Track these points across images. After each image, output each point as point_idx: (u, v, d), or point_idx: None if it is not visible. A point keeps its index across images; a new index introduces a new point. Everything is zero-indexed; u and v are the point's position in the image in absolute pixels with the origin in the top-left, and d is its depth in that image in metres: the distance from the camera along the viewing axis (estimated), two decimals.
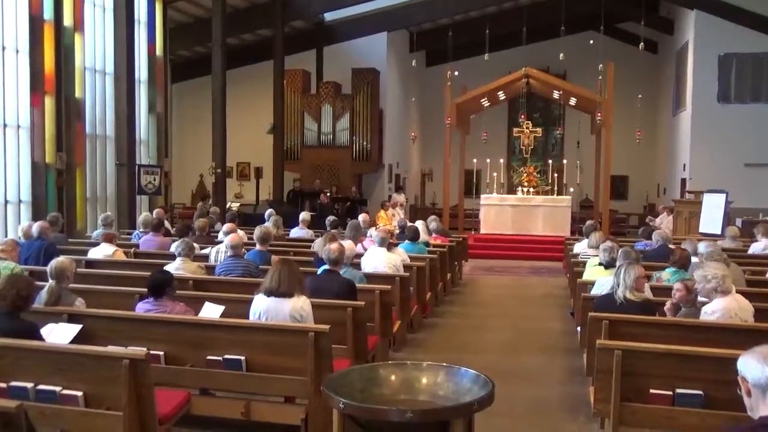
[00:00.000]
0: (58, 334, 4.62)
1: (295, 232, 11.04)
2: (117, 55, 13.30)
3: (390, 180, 20.80)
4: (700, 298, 5.29)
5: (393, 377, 3.11)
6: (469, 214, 18.49)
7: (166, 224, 10.28)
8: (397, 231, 10.77)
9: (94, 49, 13.32)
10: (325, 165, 19.16)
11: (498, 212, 16.67)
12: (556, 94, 17.59)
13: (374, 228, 9.76)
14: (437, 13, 19.42)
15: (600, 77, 15.88)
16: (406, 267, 7.72)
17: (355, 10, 18.89)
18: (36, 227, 7.98)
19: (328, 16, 19.88)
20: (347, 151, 19.08)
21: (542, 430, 5.07)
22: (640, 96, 18.05)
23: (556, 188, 17.60)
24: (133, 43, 13.60)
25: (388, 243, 7.74)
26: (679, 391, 4.03)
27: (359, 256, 7.93)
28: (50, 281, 5.02)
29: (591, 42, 17.54)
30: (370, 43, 19.70)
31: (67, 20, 12.36)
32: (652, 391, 4.08)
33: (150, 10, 15.01)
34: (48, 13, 11.90)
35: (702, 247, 6.92)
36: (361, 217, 10.62)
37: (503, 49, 20.35)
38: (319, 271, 6.01)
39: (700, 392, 4.00)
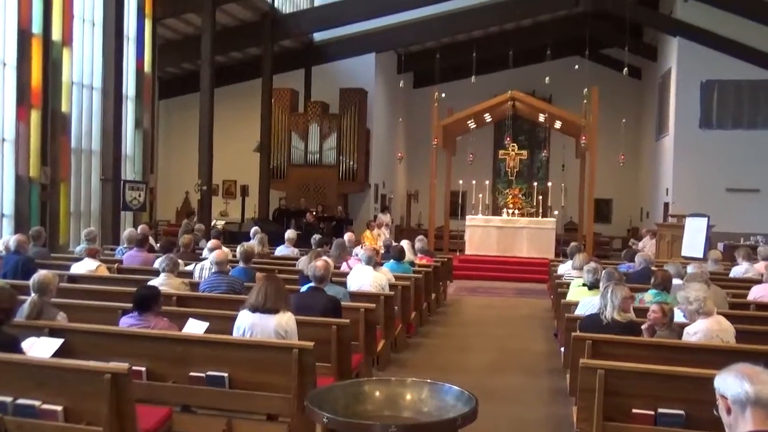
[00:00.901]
0: (40, 349, 4.57)
1: (281, 251, 11.01)
2: (105, 70, 13.30)
3: (376, 200, 20.85)
4: (677, 320, 5.35)
5: (377, 393, 3.11)
6: (454, 235, 18.56)
7: (151, 240, 10.21)
8: (383, 251, 10.78)
9: (82, 63, 13.29)
10: (311, 184, 19.18)
11: (483, 233, 16.74)
12: (541, 117, 17.77)
13: (360, 246, 9.76)
14: (425, 36, 19.66)
15: (584, 101, 16.09)
16: (391, 286, 7.72)
17: (343, 30, 19.05)
18: (13, 241, 7.85)
19: (317, 36, 20.04)
20: (334, 171, 19.13)
21: None
22: (624, 120, 18.30)
23: (540, 210, 17.73)
24: (122, 59, 13.60)
25: (374, 261, 7.74)
26: (661, 410, 4.06)
27: (344, 274, 7.93)
28: (32, 294, 4.97)
29: (576, 67, 17.80)
30: (358, 64, 19.85)
31: (56, 35, 12.34)
32: (634, 410, 4.10)
33: (139, 27, 15.03)
34: (37, 27, 11.88)
35: (690, 269, 7.01)
36: (347, 236, 10.62)
37: (490, 73, 20.59)
38: (304, 288, 6.00)
39: (682, 412, 4.02)
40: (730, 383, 2.43)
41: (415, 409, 3.00)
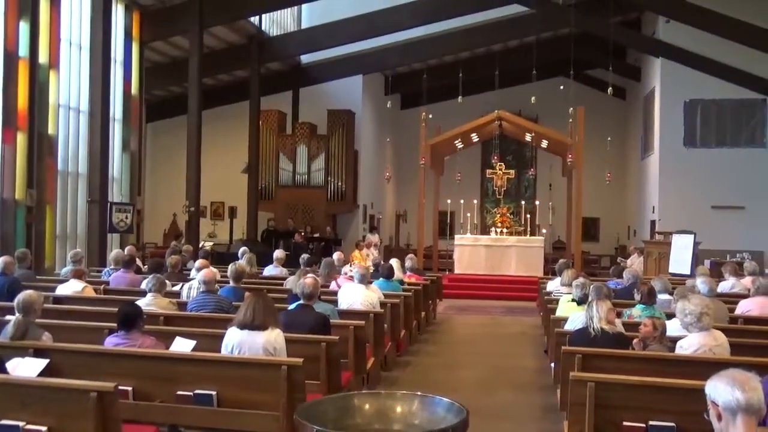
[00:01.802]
0: (24, 369, 4.49)
1: (269, 270, 10.96)
2: (92, 92, 13.29)
3: (364, 220, 20.85)
4: (670, 333, 5.36)
5: (367, 406, 3.07)
6: (443, 254, 18.56)
7: (138, 262, 10.12)
8: (372, 270, 10.75)
9: (69, 86, 13.27)
10: (299, 205, 19.17)
11: (472, 252, 16.76)
12: (528, 137, 17.93)
13: (350, 265, 9.74)
14: (412, 57, 19.83)
15: (570, 120, 16.24)
16: (381, 304, 7.69)
17: (331, 53, 19.18)
18: None
19: (305, 59, 20.16)
20: (322, 192, 19.14)
21: None
22: (609, 138, 18.46)
23: (528, 229, 17.79)
24: (109, 82, 13.61)
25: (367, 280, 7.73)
26: (652, 423, 4.05)
27: (333, 293, 7.90)
28: (17, 314, 4.91)
29: (561, 87, 18.00)
30: (345, 85, 19.96)
31: (43, 57, 12.34)
32: (625, 423, 4.08)
33: (126, 50, 15.06)
34: (23, 50, 11.87)
35: (699, 282, 7.03)
36: (336, 255, 10.60)
37: (476, 93, 20.78)
38: (293, 306, 5.96)
39: (673, 424, 4.01)
40: (720, 390, 2.43)
41: (405, 422, 2.97)
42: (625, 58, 21.55)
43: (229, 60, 18.32)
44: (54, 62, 12.69)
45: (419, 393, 3.16)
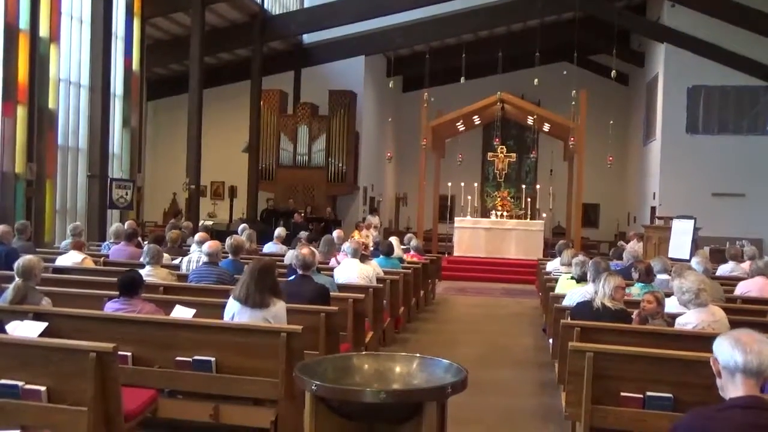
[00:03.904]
0: (23, 332, 4.50)
1: (269, 247, 10.95)
2: (93, 67, 13.21)
3: (365, 202, 20.83)
4: (668, 310, 5.37)
5: (366, 366, 3.08)
6: (443, 238, 18.55)
7: (138, 238, 10.10)
8: (372, 248, 10.76)
9: (70, 60, 13.20)
10: (299, 185, 19.14)
11: (471, 235, 16.75)
12: (530, 120, 17.85)
13: (348, 241, 9.74)
14: (414, 39, 19.69)
15: (573, 103, 16.17)
16: (380, 280, 7.70)
17: (333, 33, 19.06)
18: None
19: (307, 39, 20.04)
20: (323, 173, 19.10)
21: None
22: (611, 122, 18.40)
23: (529, 213, 17.78)
24: (110, 57, 13.53)
25: (361, 255, 7.72)
26: (649, 393, 4.06)
27: (333, 269, 7.90)
28: (16, 279, 4.91)
29: (564, 72, 17.90)
30: (347, 66, 19.85)
31: (43, 31, 12.27)
32: (622, 393, 4.10)
33: (128, 25, 14.97)
34: (24, 23, 11.80)
35: (695, 262, 7.05)
36: (336, 233, 10.60)
37: (479, 77, 20.64)
38: (292, 277, 5.96)
39: (670, 395, 4.03)
40: (723, 348, 2.44)
41: (404, 381, 2.98)
42: (628, 43, 21.44)
43: (231, 38, 18.20)
44: (55, 36, 12.62)
45: (419, 355, 3.17)
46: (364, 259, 7.75)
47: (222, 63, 19.81)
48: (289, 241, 11.86)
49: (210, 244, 6.85)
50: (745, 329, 2.48)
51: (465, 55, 17.02)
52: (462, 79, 15.93)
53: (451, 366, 2.96)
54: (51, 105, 12.55)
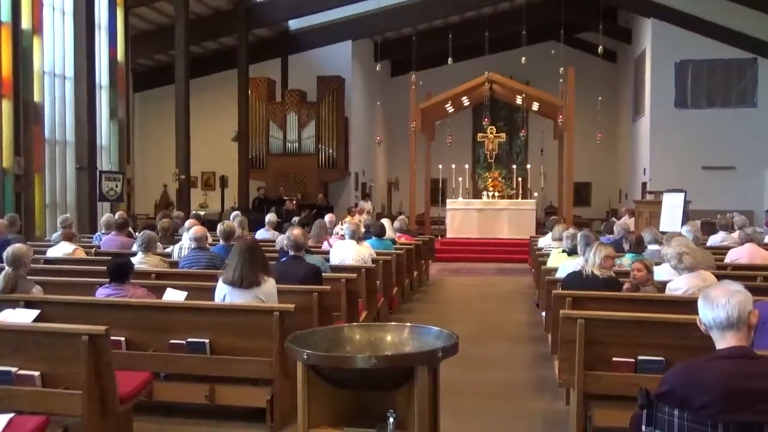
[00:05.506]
0: (15, 320, 4.49)
1: (261, 234, 10.94)
2: (77, 59, 13.09)
3: (356, 188, 20.81)
4: (657, 278, 5.41)
5: (357, 336, 3.10)
6: (436, 221, 18.57)
7: (129, 228, 10.07)
8: (364, 231, 10.75)
9: (53, 52, 13.09)
10: (290, 173, 19.10)
11: (464, 216, 16.77)
12: (519, 100, 17.83)
13: (341, 223, 9.75)
14: (401, 22, 19.59)
15: (561, 80, 16.15)
16: (373, 261, 7.71)
17: (319, 18, 18.96)
18: None
19: (293, 24, 19.92)
20: (313, 159, 19.06)
21: (509, 408, 5.08)
22: (600, 98, 18.40)
23: (520, 193, 17.80)
24: (94, 48, 13.38)
25: (358, 236, 7.73)
26: (641, 357, 4.10)
27: (325, 252, 7.90)
28: (6, 268, 4.89)
29: (552, 52, 17.86)
30: (334, 52, 19.76)
31: (26, 23, 12.14)
32: (614, 358, 4.14)
33: (111, 15, 14.84)
34: (5, 16, 11.68)
35: (685, 230, 7.08)
36: (327, 217, 10.60)
37: (467, 59, 20.58)
38: (284, 259, 5.96)
39: (662, 358, 4.06)
40: (700, 306, 2.50)
41: (396, 350, 3.00)
42: (615, 20, 21.39)
43: (216, 27, 18.07)
44: (37, 28, 12.51)
45: (409, 324, 3.19)
46: (358, 240, 7.74)
47: (208, 52, 19.67)
48: (280, 227, 11.86)
49: (196, 229, 6.85)
50: (723, 282, 2.52)
51: (452, 37, 16.96)
52: (449, 61, 15.85)
53: (441, 333, 2.98)
54: (36, 98, 12.47)
